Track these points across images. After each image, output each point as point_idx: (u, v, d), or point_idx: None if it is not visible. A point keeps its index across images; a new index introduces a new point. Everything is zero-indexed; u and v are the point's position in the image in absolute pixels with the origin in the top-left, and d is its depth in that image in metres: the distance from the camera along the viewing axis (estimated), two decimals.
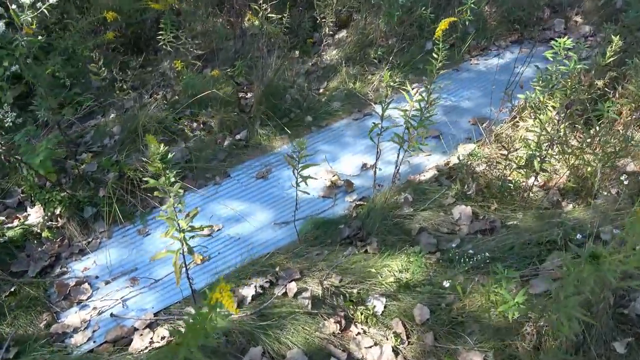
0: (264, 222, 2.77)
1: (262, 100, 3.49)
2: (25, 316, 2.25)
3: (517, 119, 3.13)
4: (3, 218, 2.79)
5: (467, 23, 4.06)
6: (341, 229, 2.55)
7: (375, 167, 2.67)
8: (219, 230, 2.74)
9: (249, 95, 3.80)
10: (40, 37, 2.17)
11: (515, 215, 2.40)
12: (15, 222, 2.75)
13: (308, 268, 2.30)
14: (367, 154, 3.21)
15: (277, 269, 2.29)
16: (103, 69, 3.16)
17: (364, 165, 3.11)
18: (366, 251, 2.37)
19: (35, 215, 2.82)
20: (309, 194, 2.50)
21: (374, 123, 2.41)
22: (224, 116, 3.48)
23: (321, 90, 3.82)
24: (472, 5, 3.87)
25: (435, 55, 2.30)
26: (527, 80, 3.10)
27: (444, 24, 2.08)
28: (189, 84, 3.25)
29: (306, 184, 2.28)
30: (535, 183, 2.55)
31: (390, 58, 3.77)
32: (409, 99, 2.43)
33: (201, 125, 3.50)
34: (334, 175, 3.05)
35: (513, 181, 2.51)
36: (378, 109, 3.69)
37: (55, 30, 3.82)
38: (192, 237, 1.93)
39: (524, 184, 2.54)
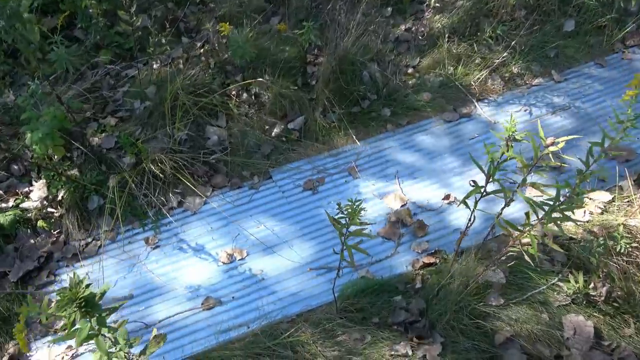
0: (299, 258, 2.13)
1: (330, 79, 2.70)
2: None
3: None
4: (1, 192, 2.36)
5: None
6: (396, 304, 1.85)
7: (460, 243, 1.87)
8: (241, 259, 2.14)
9: (319, 60, 3.01)
10: None
11: None
12: (11, 202, 2.30)
13: None
14: (454, 177, 2.40)
15: None
16: (135, 17, 2.49)
17: (447, 196, 2.31)
18: (424, 357, 1.68)
19: (37, 192, 2.36)
20: (355, 267, 1.81)
21: (472, 183, 1.60)
22: (281, 90, 2.75)
23: (410, 70, 2.94)
24: None
25: None
26: None
27: None
28: (237, 52, 2.52)
29: (351, 257, 1.57)
30: None
31: (513, 42, 2.77)
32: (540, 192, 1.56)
33: (252, 98, 2.80)
34: (402, 204, 2.29)
35: None
36: (480, 110, 2.80)
37: None
38: None
39: None
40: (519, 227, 1.51)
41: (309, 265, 2.09)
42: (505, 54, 2.80)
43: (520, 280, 1.84)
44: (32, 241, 2.20)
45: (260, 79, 2.73)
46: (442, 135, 2.60)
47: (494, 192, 1.57)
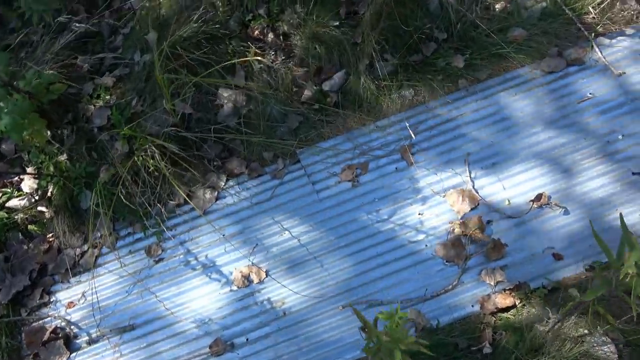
0: (330, 283, 1.65)
1: (381, 14, 1.95)
2: None
3: None
4: None
5: None
6: None
7: None
8: (259, 282, 1.70)
9: None
10: None
11: None
12: None
13: None
14: (550, 165, 1.71)
15: None
16: None
17: (539, 197, 1.66)
18: None
19: (28, 182, 2.01)
20: None
21: (588, 268, 0.97)
22: (316, 29, 2.05)
23: None
24: None
25: None
26: None
27: None
28: None
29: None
30: None
31: None
32: None
33: (279, 40, 2.14)
34: (473, 206, 1.68)
35: None
36: (599, 53, 1.86)
37: None
38: None
39: None
40: None
41: (343, 297, 1.62)
42: None
43: None
44: (24, 247, 1.89)
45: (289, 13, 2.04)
46: (539, 94, 1.84)
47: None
